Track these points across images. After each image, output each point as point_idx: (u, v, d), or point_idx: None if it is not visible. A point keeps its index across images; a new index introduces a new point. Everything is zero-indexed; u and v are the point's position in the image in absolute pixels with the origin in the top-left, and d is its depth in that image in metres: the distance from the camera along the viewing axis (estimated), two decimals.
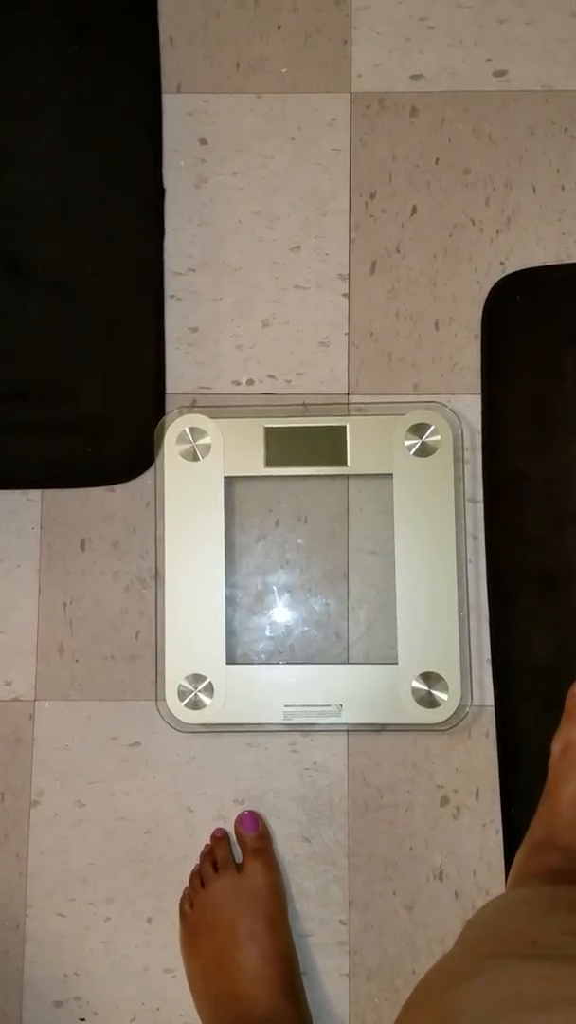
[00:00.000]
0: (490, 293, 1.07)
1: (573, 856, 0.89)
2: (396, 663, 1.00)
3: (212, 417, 1.03)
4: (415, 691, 0.99)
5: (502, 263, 1.08)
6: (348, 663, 1.04)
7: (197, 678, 1.01)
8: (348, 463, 1.02)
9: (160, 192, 1.09)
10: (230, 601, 1.03)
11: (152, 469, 1.06)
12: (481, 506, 1.05)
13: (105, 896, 1.04)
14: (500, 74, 1.10)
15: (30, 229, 1.08)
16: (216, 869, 1.00)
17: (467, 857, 1.03)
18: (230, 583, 1.04)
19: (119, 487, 1.07)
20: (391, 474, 1.02)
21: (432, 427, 1.02)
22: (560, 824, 0.92)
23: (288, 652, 1.05)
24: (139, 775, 1.05)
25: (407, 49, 1.10)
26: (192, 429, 1.03)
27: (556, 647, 1.02)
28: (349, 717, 1.00)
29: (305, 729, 1.04)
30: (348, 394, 1.07)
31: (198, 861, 1.03)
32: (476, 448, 1.06)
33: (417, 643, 1.00)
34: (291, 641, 1.05)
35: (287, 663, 1.03)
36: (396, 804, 1.03)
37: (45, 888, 1.04)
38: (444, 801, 1.03)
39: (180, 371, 1.08)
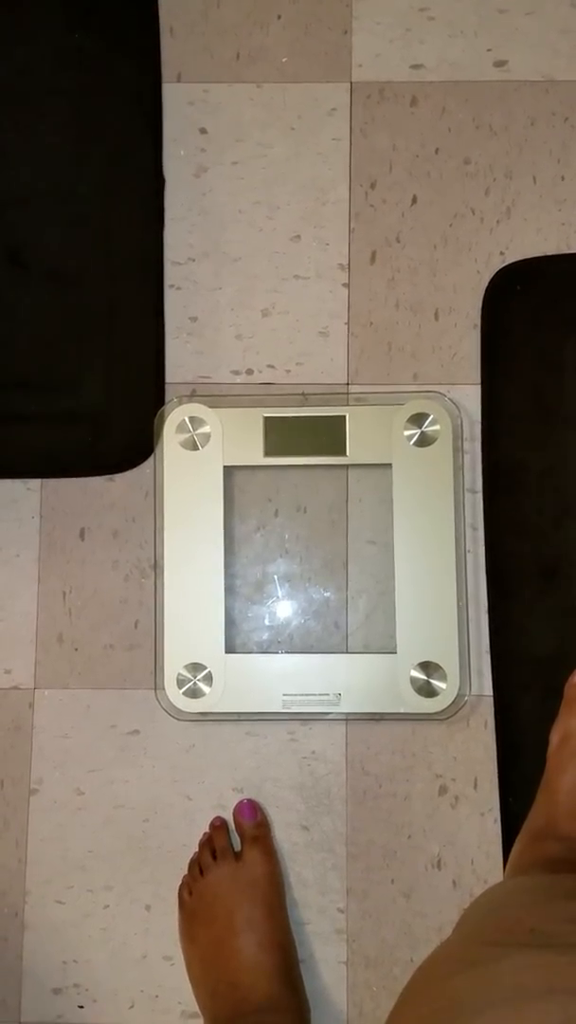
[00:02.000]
0: (490, 283, 1.07)
1: (571, 845, 0.90)
2: (395, 652, 1.00)
3: (211, 407, 1.03)
4: (414, 680, 1.00)
5: (502, 253, 1.08)
6: (347, 652, 1.04)
7: (196, 667, 1.01)
8: (347, 453, 1.02)
9: (160, 182, 1.09)
10: (229, 590, 1.04)
11: (151, 459, 1.06)
12: (480, 496, 1.05)
13: (104, 884, 1.04)
14: (500, 64, 1.10)
15: (30, 219, 1.07)
16: (215, 857, 1.01)
17: (465, 846, 1.03)
18: (229, 572, 1.04)
19: (118, 477, 1.07)
20: (390, 464, 1.02)
21: (431, 417, 1.02)
22: (558, 814, 0.92)
23: (287, 641, 1.05)
24: (138, 763, 1.05)
25: (407, 39, 1.10)
26: (191, 419, 1.03)
27: (555, 637, 1.02)
28: (348, 706, 1.00)
29: (304, 718, 1.04)
30: (348, 384, 1.07)
31: (197, 849, 1.03)
32: (475, 438, 1.06)
33: (416, 633, 1.00)
34: (290, 630, 1.05)
35: (286, 652, 1.04)
36: (394, 793, 1.04)
37: (44, 875, 1.05)
38: (442, 790, 1.04)
39: (179, 361, 1.08)
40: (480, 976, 0.62)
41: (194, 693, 1.01)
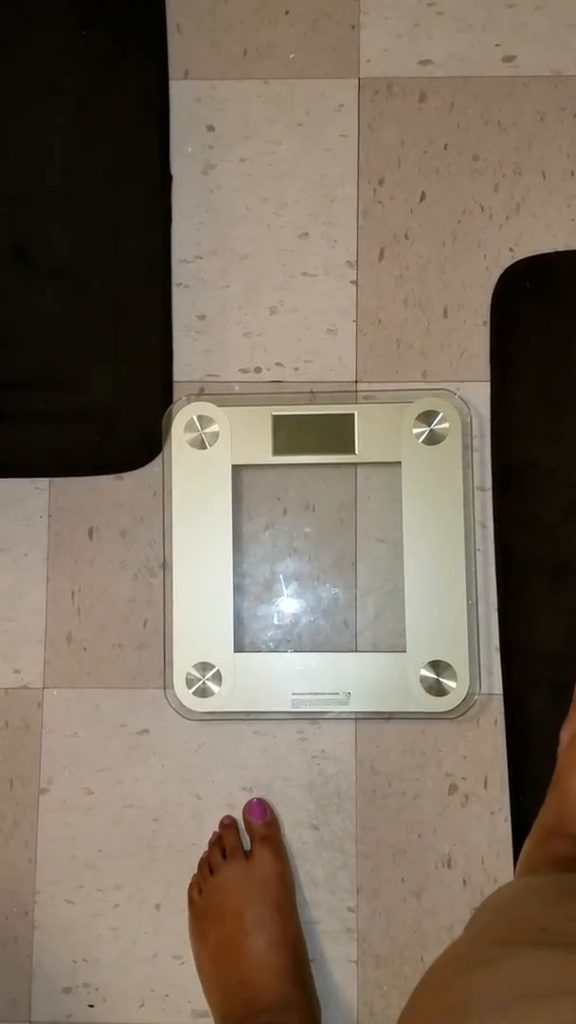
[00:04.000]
0: (499, 280, 1.07)
1: None
2: (404, 651, 1.00)
3: (220, 405, 1.03)
4: (423, 679, 0.99)
5: (511, 249, 1.07)
6: (356, 651, 1.04)
7: (205, 666, 1.01)
8: (356, 451, 1.02)
9: (167, 179, 1.09)
10: (238, 589, 1.03)
11: (160, 457, 1.06)
12: (490, 494, 1.05)
13: (113, 883, 1.04)
14: (509, 59, 1.09)
15: (37, 217, 1.07)
16: (224, 856, 1.00)
17: (475, 845, 1.03)
18: (238, 571, 1.04)
19: (127, 475, 1.07)
20: (399, 462, 1.01)
21: (441, 415, 1.01)
22: (569, 812, 0.92)
23: (296, 640, 1.05)
24: (147, 763, 1.05)
25: (415, 34, 1.09)
26: (200, 417, 1.03)
27: (565, 635, 1.02)
28: (357, 705, 1.00)
29: (313, 717, 1.04)
30: (356, 382, 1.07)
31: (206, 848, 1.03)
32: (485, 436, 1.05)
33: (425, 631, 1.00)
34: (299, 629, 1.05)
35: (295, 651, 1.03)
36: (404, 792, 1.03)
37: (54, 875, 1.05)
38: (452, 789, 1.03)
39: (187, 359, 1.08)
40: (490, 976, 0.62)
41: (203, 692, 1.01)
